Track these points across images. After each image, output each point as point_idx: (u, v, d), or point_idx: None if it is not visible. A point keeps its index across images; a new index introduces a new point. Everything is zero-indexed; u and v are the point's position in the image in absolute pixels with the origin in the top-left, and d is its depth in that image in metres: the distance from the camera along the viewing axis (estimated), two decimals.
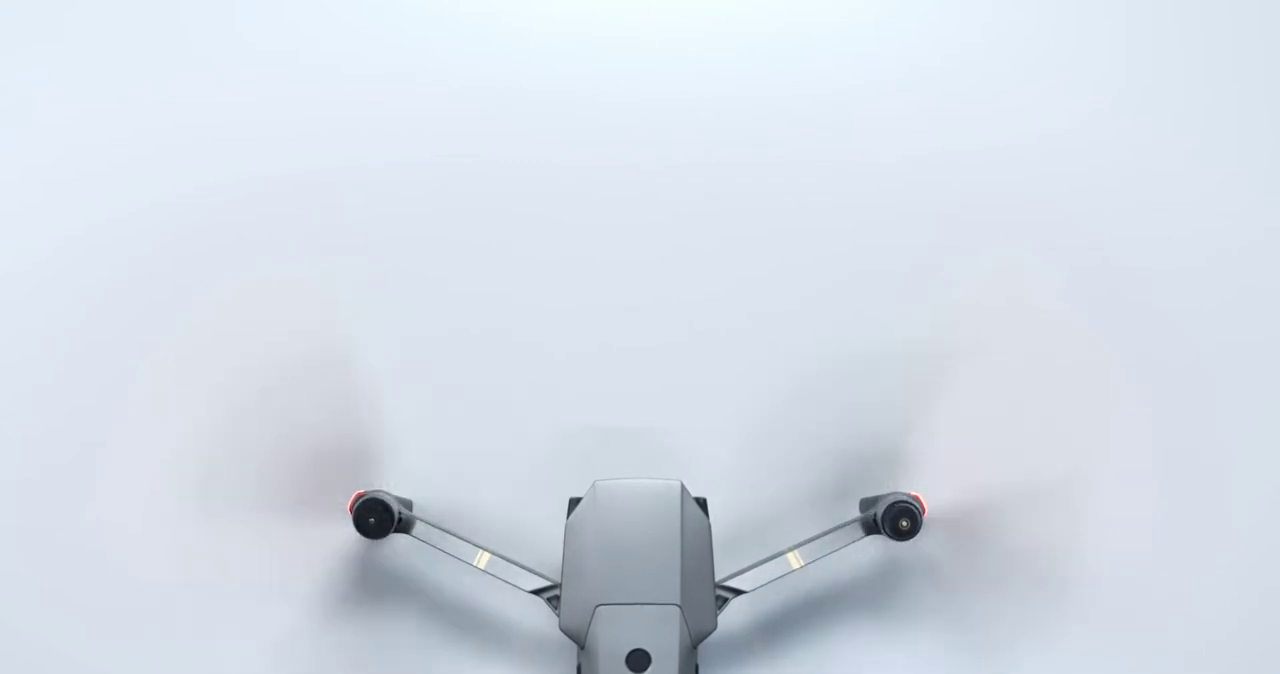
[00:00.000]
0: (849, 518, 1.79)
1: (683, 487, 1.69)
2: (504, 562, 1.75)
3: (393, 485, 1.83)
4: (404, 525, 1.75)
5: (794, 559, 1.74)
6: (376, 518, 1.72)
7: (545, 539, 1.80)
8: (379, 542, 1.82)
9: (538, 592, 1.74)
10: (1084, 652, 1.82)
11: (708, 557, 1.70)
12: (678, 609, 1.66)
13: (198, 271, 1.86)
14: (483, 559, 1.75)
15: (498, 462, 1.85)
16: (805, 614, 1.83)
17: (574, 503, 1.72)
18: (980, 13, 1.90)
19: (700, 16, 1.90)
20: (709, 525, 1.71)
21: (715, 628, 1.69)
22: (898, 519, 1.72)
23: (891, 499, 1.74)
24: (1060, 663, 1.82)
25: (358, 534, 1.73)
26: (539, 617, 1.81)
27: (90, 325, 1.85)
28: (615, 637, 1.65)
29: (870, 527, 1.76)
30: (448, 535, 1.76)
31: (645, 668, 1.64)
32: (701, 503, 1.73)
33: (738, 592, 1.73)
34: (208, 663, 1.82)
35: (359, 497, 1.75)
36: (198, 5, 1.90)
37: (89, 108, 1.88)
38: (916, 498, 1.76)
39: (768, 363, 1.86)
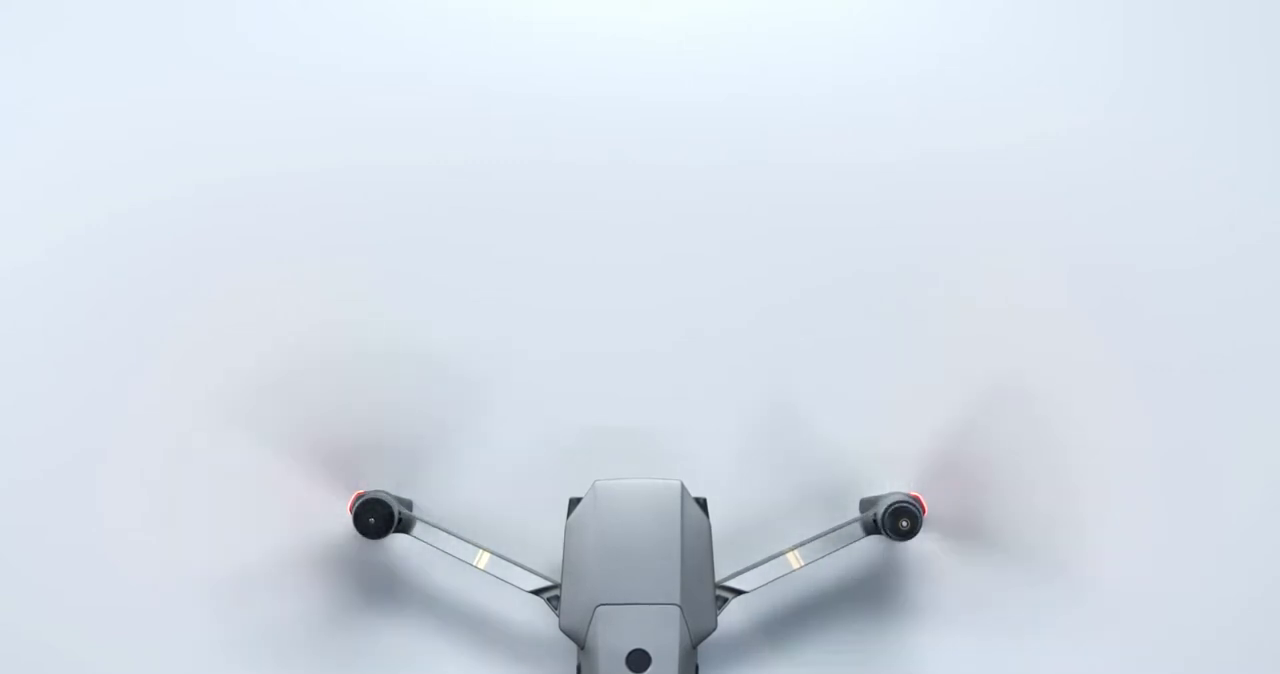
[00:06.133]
0: (849, 518, 1.79)
1: (683, 487, 1.69)
2: (504, 562, 1.75)
3: (393, 485, 1.83)
4: (404, 525, 1.75)
5: (794, 559, 1.74)
6: (376, 518, 1.72)
7: (545, 539, 1.80)
8: (379, 541, 1.82)
9: (538, 592, 1.74)
10: (1084, 652, 1.82)
11: (708, 557, 1.70)
12: (678, 609, 1.66)
13: (198, 271, 1.86)
14: (483, 559, 1.75)
15: (498, 462, 1.84)
16: (805, 614, 1.84)
17: (574, 503, 1.72)
18: (980, 13, 1.90)
19: (700, 17, 1.90)
20: (709, 525, 1.71)
21: (715, 628, 1.69)
22: (898, 519, 1.72)
23: (891, 499, 1.74)
24: (1060, 663, 1.82)
25: (358, 534, 1.73)
26: (539, 617, 1.81)
27: (90, 325, 1.85)
28: (615, 637, 1.65)
29: (870, 527, 1.76)
30: (448, 535, 1.76)
31: (645, 668, 1.64)
32: (701, 503, 1.73)
33: (738, 592, 1.73)
34: (207, 663, 1.82)
35: (359, 497, 1.75)
36: (198, 5, 1.90)
37: (89, 107, 1.88)
38: (916, 498, 1.76)
39: (767, 363, 1.86)
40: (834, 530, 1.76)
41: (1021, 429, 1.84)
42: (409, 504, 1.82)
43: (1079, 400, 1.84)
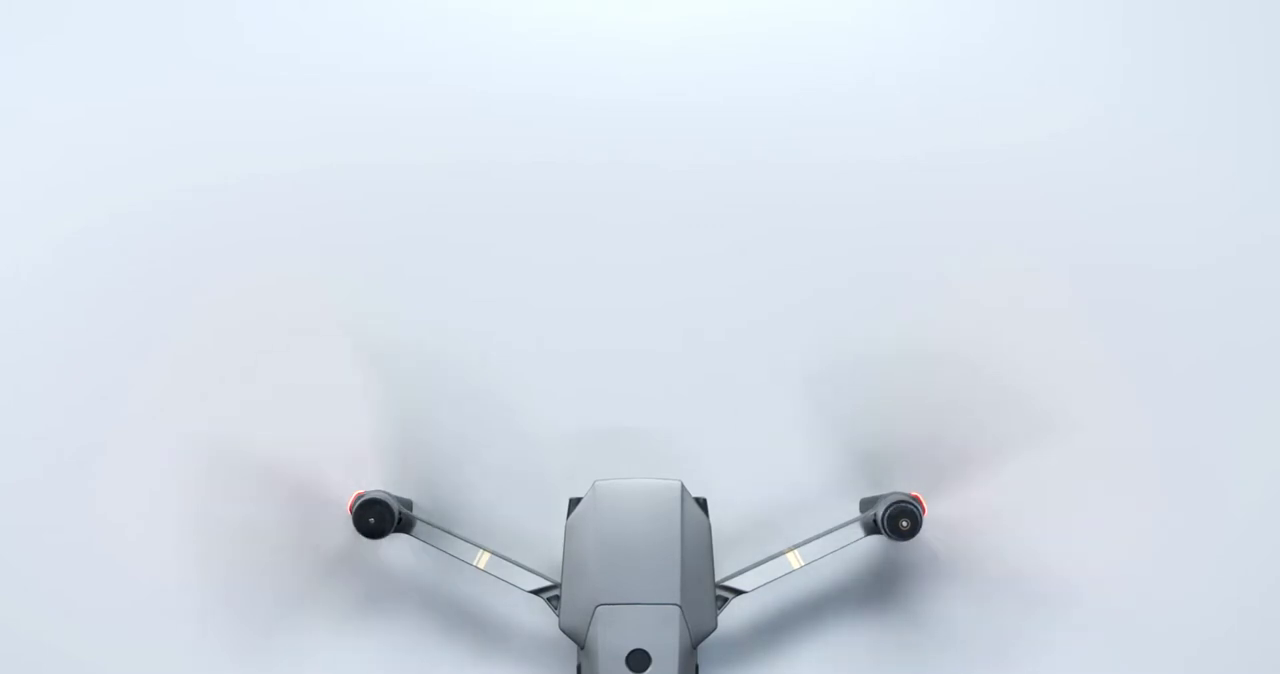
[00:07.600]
0: (849, 518, 1.79)
1: (683, 487, 1.69)
2: (504, 562, 1.75)
3: (393, 485, 1.83)
4: (404, 525, 1.75)
5: (794, 559, 1.74)
6: (376, 518, 1.72)
7: (545, 539, 1.80)
8: (379, 542, 1.82)
9: (538, 592, 1.74)
10: (1082, 653, 1.82)
11: (708, 557, 1.70)
12: (678, 609, 1.66)
13: (197, 271, 1.86)
14: (483, 559, 1.75)
15: (498, 462, 1.84)
16: (805, 614, 1.84)
17: (574, 503, 1.72)
18: (981, 13, 1.90)
19: (700, 18, 1.90)
20: (709, 525, 1.71)
21: (715, 628, 1.69)
22: (898, 519, 1.72)
23: (891, 499, 1.74)
24: (1059, 664, 1.82)
25: (357, 534, 1.73)
26: (539, 617, 1.81)
27: (90, 325, 1.85)
28: (615, 637, 1.65)
29: (870, 527, 1.76)
30: (448, 535, 1.76)
31: (645, 668, 1.64)
32: (701, 503, 1.73)
33: (738, 592, 1.73)
34: (207, 663, 1.82)
35: (359, 497, 1.75)
36: (198, 5, 1.90)
37: (89, 108, 1.88)
38: (916, 498, 1.76)
39: (768, 363, 1.86)
40: (834, 530, 1.76)
41: (1021, 429, 1.84)
42: (409, 504, 1.82)
43: (1079, 400, 1.84)
